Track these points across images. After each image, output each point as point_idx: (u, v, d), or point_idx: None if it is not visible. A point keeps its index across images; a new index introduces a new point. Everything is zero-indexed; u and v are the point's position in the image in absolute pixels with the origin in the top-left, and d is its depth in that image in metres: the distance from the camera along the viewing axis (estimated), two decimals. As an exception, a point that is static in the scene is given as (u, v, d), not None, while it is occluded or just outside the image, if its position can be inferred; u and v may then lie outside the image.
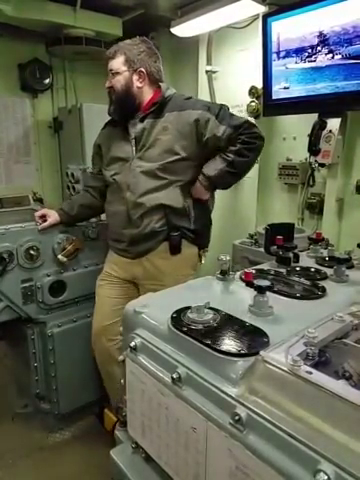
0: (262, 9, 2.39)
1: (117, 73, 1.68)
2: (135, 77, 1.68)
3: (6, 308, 1.86)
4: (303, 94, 2.22)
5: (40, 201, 3.71)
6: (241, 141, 1.61)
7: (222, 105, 1.70)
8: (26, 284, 1.88)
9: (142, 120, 1.69)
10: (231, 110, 2.73)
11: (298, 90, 2.24)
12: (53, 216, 1.87)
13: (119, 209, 1.74)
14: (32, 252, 1.83)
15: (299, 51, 2.18)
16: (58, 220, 1.89)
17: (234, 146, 1.61)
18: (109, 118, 1.87)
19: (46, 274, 1.91)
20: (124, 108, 1.71)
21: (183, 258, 1.75)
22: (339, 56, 2.03)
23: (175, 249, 1.71)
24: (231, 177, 1.69)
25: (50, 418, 2.15)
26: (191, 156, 1.66)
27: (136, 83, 1.69)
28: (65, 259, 1.90)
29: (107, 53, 1.72)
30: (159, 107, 1.67)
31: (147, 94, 1.72)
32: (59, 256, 1.89)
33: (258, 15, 2.46)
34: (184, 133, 1.63)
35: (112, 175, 1.76)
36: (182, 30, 2.78)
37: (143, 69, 1.68)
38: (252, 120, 2.62)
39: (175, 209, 1.68)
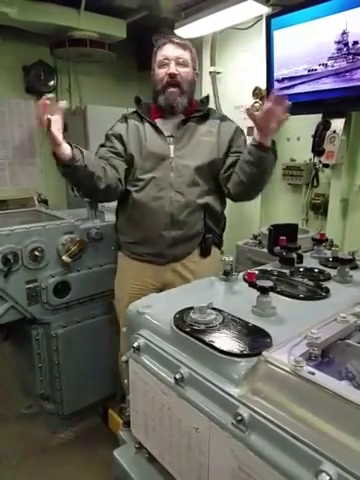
0: (265, 10, 2.40)
1: (186, 65, 1.62)
2: (195, 78, 1.70)
3: (11, 309, 1.87)
4: (307, 92, 2.22)
5: (45, 202, 3.74)
6: None
7: None
8: (31, 285, 1.89)
9: (184, 122, 1.67)
10: (235, 111, 2.77)
11: (302, 91, 2.24)
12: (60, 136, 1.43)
13: (158, 210, 1.61)
14: (37, 253, 1.84)
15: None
16: (65, 149, 1.46)
17: None
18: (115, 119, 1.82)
19: (51, 275, 1.92)
20: (187, 100, 1.67)
21: (211, 261, 1.71)
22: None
23: (207, 251, 1.69)
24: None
25: (54, 418, 2.15)
26: (221, 161, 1.68)
27: (194, 84, 1.71)
28: (69, 260, 1.91)
29: (175, 39, 1.64)
30: (205, 114, 1.70)
31: (193, 98, 1.74)
32: (63, 257, 1.90)
33: (261, 16, 2.46)
34: (224, 140, 1.67)
35: (148, 171, 1.64)
36: (186, 31, 2.79)
37: (197, 73, 1.72)
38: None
39: (213, 212, 1.68)
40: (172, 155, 1.63)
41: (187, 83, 1.63)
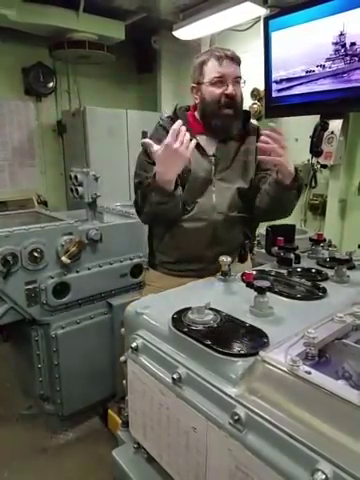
0: (263, 12, 2.41)
1: (239, 83, 1.47)
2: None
3: (10, 310, 1.88)
4: (305, 93, 2.22)
5: (44, 204, 3.75)
6: None
7: None
8: (30, 286, 1.89)
9: (224, 141, 1.54)
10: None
11: (300, 92, 2.24)
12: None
13: (200, 231, 1.54)
14: (36, 254, 1.85)
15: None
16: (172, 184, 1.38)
17: None
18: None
19: (50, 276, 1.92)
20: (240, 123, 1.54)
21: (248, 265, 1.68)
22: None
23: (245, 257, 1.65)
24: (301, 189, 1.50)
25: (54, 419, 2.16)
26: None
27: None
28: (69, 261, 1.92)
29: (231, 54, 1.46)
30: (244, 132, 1.57)
31: None
32: (63, 258, 1.91)
33: (259, 17, 2.47)
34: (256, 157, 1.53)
35: (192, 195, 1.51)
36: (184, 33, 2.81)
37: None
38: (255, 122, 2.64)
39: (251, 222, 1.63)
40: (214, 177, 1.54)
41: (241, 104, 1.51)
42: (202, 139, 1.52)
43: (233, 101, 1.45)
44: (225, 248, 1.52)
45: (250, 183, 1.56)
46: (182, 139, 1.28)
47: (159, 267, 1.68)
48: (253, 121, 1.64)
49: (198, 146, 1.48)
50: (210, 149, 1.54)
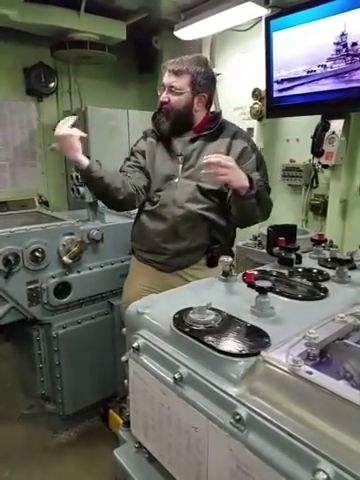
0: (264, 12, 2.41)
1: (179, 93, 1.63)
2: (196, 100, 1.65)
3: (12, 309, 1.88)
4: (306, 93, 2.22)
5: (45, 204, 3.76)
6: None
7: (261, 154, 1.75)
8: (31, 286, 1.89)
9: (193, 141, 1.67)
10: (234, 112, 2.78)
11: (301, 92, 2.24)
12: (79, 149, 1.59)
13: (161, 226, 1.70)
14: (37, 254, 1.85)
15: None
16: (83, 162, 1.60)
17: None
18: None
19: (51, 276, 1.93)
20: (179, 127, 1.68)
21: (218, 270, 1.68)
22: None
23: (214, 261, 1.70)
24: (266, 199, 1.58)
25: (55, 419, 2.16)
26: None
27: (195, 106, 1.66)
28: (70, 261, 1.92)
29: (171, 66, 1.63)
30: (214, 131, 1.67)
31: (200, 116, 1.70)
32: (64, 258, 1.91)
33: (261, 18, 2.47)
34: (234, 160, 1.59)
35: (156, 191, 1.72)
36: (185, 33, 2.81)
37: (205, 95, 1.66)
38: (255, 123, 2.64)
39: (218, 225, 1.69)
40: (179, 175, 1.68)
41: (178, 110, 1.64)
42: (175, 140, 1.70)
43: (162, 106, 1.67)
44: (186, 245, 1.68)
45: (220, 185, 1.62)
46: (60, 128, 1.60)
47: (135, 253, 1.88)
48: (232, 124, 1.75)
49: (167, 146, 1.71)
50: (178, 149, 1.69)
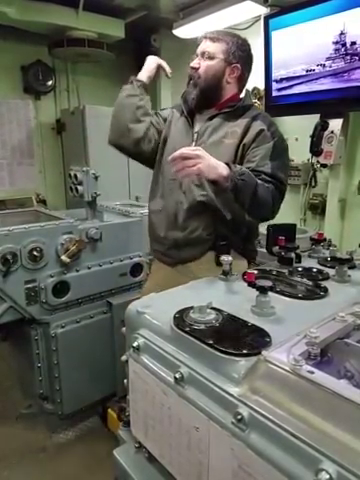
0: (264, 11, 2.41)
1: (211, 58, 1.51)
2: (228, 70, 1.53)
3: (10, 309, 1.87)
4: (305, 93, 2.22)
5: (43, 203, 3.74)
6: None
7: (286, 144, 1.55)
8: (29, 285, 1.89)
9: (211, 118, 1.55)
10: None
11: (300, 91, 2.24)
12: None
13: (167, 207, 1.58)
14: (35, 253, 1.84)
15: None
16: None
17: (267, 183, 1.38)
18: None
19: (49, 275, 1.92)
20: (206, 98, 1.55)
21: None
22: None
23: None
24: (248, 195, 1.31)
25: (53, 418, 2.15)
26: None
27: (227, 77, 1.53)
28: (68, 260, 1.91)
29: (206, 34, 1.55)
30: (235, 111, 1.53)
31: (229, 92, 1.57)
32: (62, 257, 1.90)
33: (260, 16, 2.47)
34: (247, 143, 1.47)
35: (166, 169, 1.59)
36: (184, 32, 2.80)
37: (239, 66, 1.53)
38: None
39: (224, 217, 1.49)
40: None
41: (209, 77, 1.52)
42: (198, 116, 1.60)
43: (191, 74, 1.55)
44: (184, 236, 1.54)
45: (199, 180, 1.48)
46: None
47: (151, 245, 1.76)
48: (258, 108, 1.68)
49: (187, 121, 1.60)
50: (197, 126, 1.59)
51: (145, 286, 1.82)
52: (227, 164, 1.29)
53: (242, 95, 1.60)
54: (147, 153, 1.66)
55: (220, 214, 1.48)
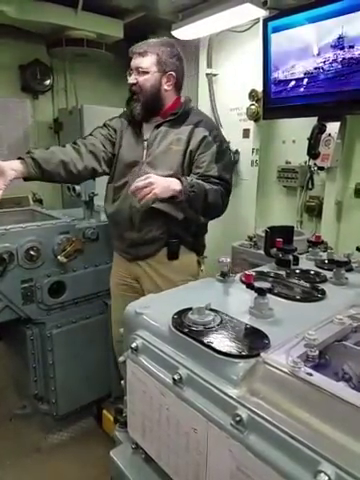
0: (262, 13, 2.41)
1: (146, 72, 1.62)
2: (164, 79, 1.65)
3: (5, 308, 1.86)
4: (303, 95, 2.23)
5: (40, 202, 3.72)
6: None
7: (227, 145, 1.71)
8: (26, 284, 1.88)
9: (158, 126, 1.67)
10: (230, 113, 2.78)
11: (298, 94, 2.25)
12: (9, 172, 1.59)
13: (121, 211, 1.72)
14: (32, 253, 1.84)
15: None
16: (20, 174, 1.61)
17: (215, 185, 1.58)
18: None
19: (46, 275, 1.91)
20: (150, 109, 1.67)
21: (181, 264, 1.75)
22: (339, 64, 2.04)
23: (173, 255, 1.72)
24: (200, 203, 1.53)
25: (48, 419, 2.14)
26: (187, 173, 1.65)
27: (164, 85, 1.66)
28: (65, 260, 1.91)
29: (135, 49, 1.65)
30: (178, 118, 1.66)
31: (170, 100, 1.70)
32: (59, 257, 1.90)
33: (259, 19, 2.48)
34: (192, 149, 1.62)
35: (122, 176, 1.73)
36: (183, 33, 2.80)
37: (173, 73, 1.65)
38: (252, 124, 2.64)
39: (174, 218, 1.65)
40: (143, 160, 1.68)
41: (147, 90, 1.64)
42: (145, 125, 1.71)
43: (132, 89, 1.66)
44: (139, 236, 1.69)
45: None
46: None
47: (113, 242, 1.92)
48: (201, 112, 1.78)
49: (136, 131, 1.73)
50: (146, 134, 1.70)
51: (112, 274, 1.96)
52: (178, 178, 1.49)
53: (185, 98, 1.73)
54: (107, 171, 1.79)
55: (171, 216, 1.63)
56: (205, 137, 1.61)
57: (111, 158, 1.77)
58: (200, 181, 1.53)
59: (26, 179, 1.64)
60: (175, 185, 1.46)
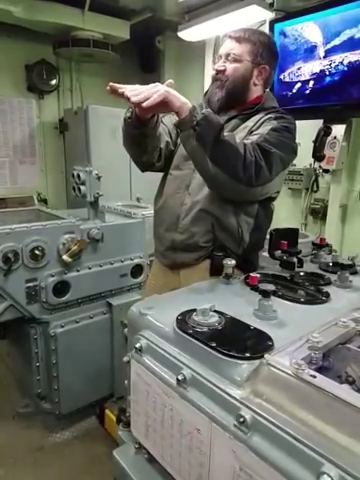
0: (269, 15, 2.42)
1: (238, 60, 1.44)
2: (256, 72, 1.47)
3: (10, 307, 1.87)
4: (308, 98, 2.23)
5: (44, 202, 3.75)
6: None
7: (292, 127, 1.44)
8: (30, 284, 1.89)
9: (230, 119, 1.48)
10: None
11: (304, 96, 2.25)
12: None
13: (168, 208, 1.54)
14: (37, 252, 1.85)
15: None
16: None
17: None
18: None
19: (50, 274, 1.92)
20: (232, 100, 1.48)
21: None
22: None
23: (216, 270, 1.41)
24: (211, 136, 1.21)
25: (51, 418, 2.15)
26: None
27: (254, 79, 1.48)
28: (70, 260, 1.92)
29: (231, 33, 1.48)
30: (254, 112, 1.48)
31: (256, 93, 1.51)
32: (64, 256, 1.90)
33: (265, 21, 2.48)
34: (253, 129, 1.43)
35: (176, 167, 1.55)
36: (189, 34, 2.81)
37: (267, 67, 1.47)
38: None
39: (226, 225, 1.44)
40: None
41: (236, 79, 1.46)
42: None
43: (216, 75, 1.47)
44: (182, 239, 1.48)
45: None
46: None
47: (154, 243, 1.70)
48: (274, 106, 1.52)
49: None
50: None
51: (147, 284, 1.81)
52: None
53: (265, 96, 1.53)
54: (160, 167, 1.60)
55: (221, 222, 1.44)
56: (269, 118, 1.42)
57: (171, 151, 1.58)
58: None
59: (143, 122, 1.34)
60: (187, 100, 1.21)
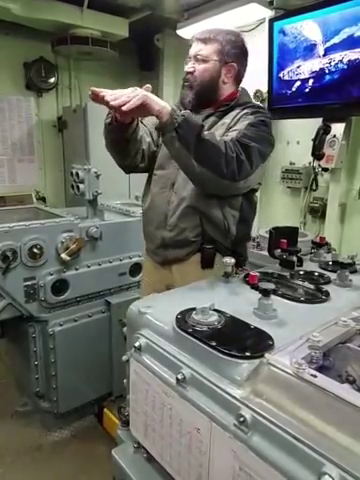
0: (268, 13, 2.41)
1: (205, 61, 1.48)
2: (224, 70, 1.50)
3: (8, 306, 1.87)
4: (308, 96, 2.23)
5: (43, 200, 3.74)
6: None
7: (268, 121, 1.47)
8: (29, 282, 1.88)
9: (207, 117, 1.51)
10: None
11: (303, 94, 2.25)
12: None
13: (156, 207, 1.57)
14: (35, 250, 1.84)
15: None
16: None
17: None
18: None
19: (49, 273, 1.92)
20: (203, 100, 1.52)
21: (215, 274, 1.47)
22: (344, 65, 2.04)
23: (207, 263, 1.52)
24: (193, 137, 1.25)
25: (49, 417, 2.15)
26: None
27: (223, 77, 1.51)
28: (68, 258, 1.91)
29: (197, 35, 1.51)
30: (230, 109, 1.51)
31: (228, 90, 1.54)
32: (62, 255, 1.90)
33: (264, 19, 2.48)
34: (231, 125, 1.46)
35: (160, 167, 1.57)
36: (188, 32, 2.80)
37: (235, 64, 1.50)
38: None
39: (213, 219, 1.48)
40: None
41: (204, 80, 1.49)
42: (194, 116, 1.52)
43: (186, 77, 1.51)
44: (171, 236, 1.52)
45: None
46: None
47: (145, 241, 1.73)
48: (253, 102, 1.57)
49: None
50: None
51: (141, 282, 1.84)
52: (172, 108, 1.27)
53: (239, 92, 1.57)
54: (144, 168, 1.64)
55: (208, 217, 1.48)
56: (246, 113, 1.46)
57: (154, 151, 1.62)
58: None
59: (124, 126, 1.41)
60: (166, 104, 1.25)
